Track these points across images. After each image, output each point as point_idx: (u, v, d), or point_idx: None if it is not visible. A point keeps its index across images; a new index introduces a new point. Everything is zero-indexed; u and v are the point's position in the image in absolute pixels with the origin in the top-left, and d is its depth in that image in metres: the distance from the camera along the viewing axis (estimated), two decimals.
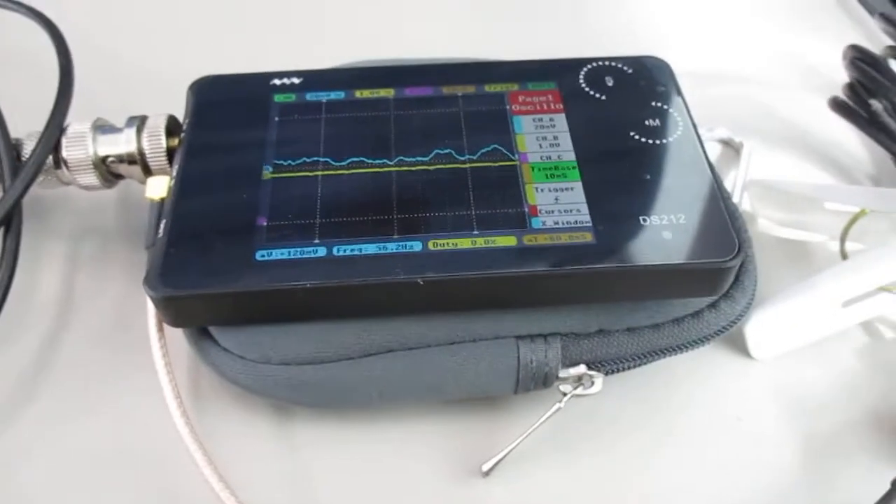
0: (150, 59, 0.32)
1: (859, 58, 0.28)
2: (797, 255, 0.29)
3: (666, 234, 0.22)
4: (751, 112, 0.35)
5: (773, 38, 0.39)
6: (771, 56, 0.38)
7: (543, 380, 0.23)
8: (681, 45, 0.38)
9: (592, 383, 0.23)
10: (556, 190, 0.23)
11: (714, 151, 0.33)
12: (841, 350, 0.26)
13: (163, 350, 0.22)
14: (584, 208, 0.22)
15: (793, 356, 0.26)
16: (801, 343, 0.26)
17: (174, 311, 0.21)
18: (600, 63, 0.26)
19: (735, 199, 0.31)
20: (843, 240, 0.28)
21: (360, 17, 0.38)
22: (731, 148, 0.33)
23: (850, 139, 0.33)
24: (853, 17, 0.41)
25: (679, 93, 0.26)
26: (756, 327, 0.25)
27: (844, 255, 0.28)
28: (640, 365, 0.23)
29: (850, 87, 0.29)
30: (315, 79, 0.26)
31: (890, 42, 0.30)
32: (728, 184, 0.31)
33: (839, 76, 0.33)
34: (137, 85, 0.29)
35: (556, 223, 0.22)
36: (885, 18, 0.29)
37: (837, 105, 0.29)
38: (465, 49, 0.33)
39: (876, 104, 0.27)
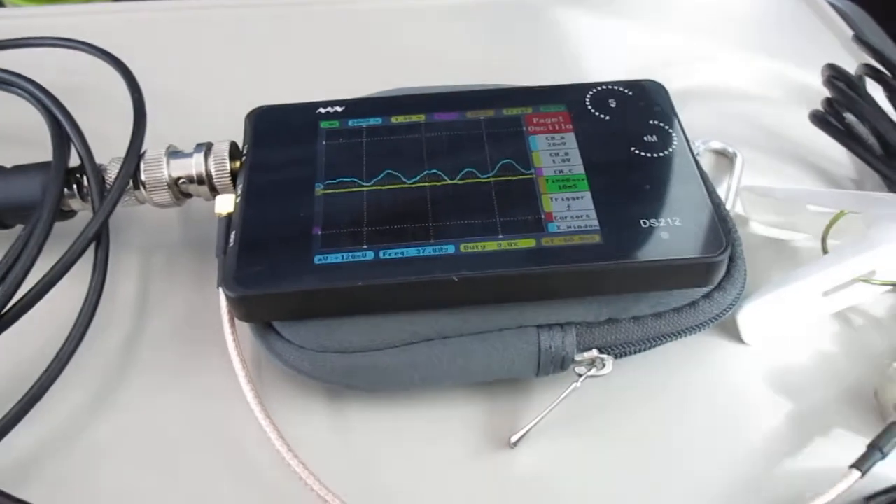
0: (203, 91, 0.36)
1: (835, 76, 0.32)
2: (784, 252, 0.33)
3: (663, 235, 0.25)
4: (743, 125, 0.39)
5: (764, 57, 0.43)
6: (762, 73, 0.42)
7: (561, 363, 0.26)
8: (680, 65, 0.42)
9: (604, 365, 0.26)
10: (568, 199, 0.26)
11: (710, 161, 0.37)
12: (822, 335, 0.30)
13: (235, 342, 0.25)
14: (593, 214, 0.26)
15: (780, 341, 0.29)
16: (787, 329, 0.30)
17: (246, 308, 0.25)
18: (604, 87, 0.30)
19: (728, 204, 0.34)
20: (824, 238, 0.31)
21: (387, 50, 0.42)
22: (726, 157, 0.37)
23: (835, 147, 0.37)
24: (839, 35, 0.44)
25: (673, 111, 0.30)
26: (747, 315, 0.29)
27: (826, 252, 0.31)
28: (645, 349, 0.27)
29: (829, 102, 0.32)
30: (356, 107, 0.30)
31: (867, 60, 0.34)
32: (722, 190, 0.35)
33: (823, 90, 0.37)
34: (195, 115, 0.33)
35: (569, 227, 0.25)
36: (860, 41, 0.33)
37: (817, 118, 0.32)
38: (479, 75, 0.36)
39: (850, 117, 0.31)
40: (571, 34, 0.44)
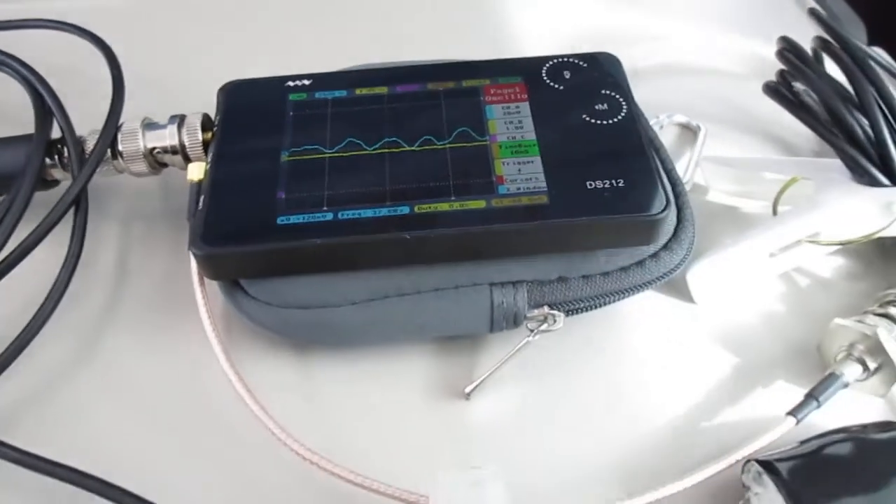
0: (181, 68, 0.38)
1: (786, 48, 0.33)
2: (740, 219, 0.34)
3: (607, 195, 0.27)
4: (709, 100, 0.40)
5: (734, 35, 0.44)
6: (730, 50, 0.43)
7: (514, 319, 0.28)
8: (650, 42, 0.43)
9: (555, 321, 0.28)
10: (519, 163, 0.28)
11: (674, 134, 0.38)
12: (769, 295, 0.31)
13: (204, 298, 0.27)
14: (542, 177, 0.27)
15: (728, 301, 0.31)
16: (736, 289, 0.31)
17: (213, 266, 0.27)
18: (560, 59, 0.31)
19: (688, 174, 0.35)
20: (775, 203, 0.32)
21: (357, 27, 0.43)
22: (690, 130, 0.38)
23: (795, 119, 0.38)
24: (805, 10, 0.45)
25: (626, 81, 0.31)
26: (696, 276, 0.30)
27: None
28: (595, 306, 0.28)
29: (781, 74, 0.34)
30: (323, 80, 0.31)
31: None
32: (684, 161, 0.36)
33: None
34: (172, 89, 0.34)
35: (519, 189, 0.27)
36: (812, 13, 0.34)
37: (770, 89, 0.34)
38: (446, 52, 0.38)
39: (798, 86, 0.32)
40: (543, 12, 0.45)
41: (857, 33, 0.45)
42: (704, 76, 0.41)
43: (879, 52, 0.43)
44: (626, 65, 0.32)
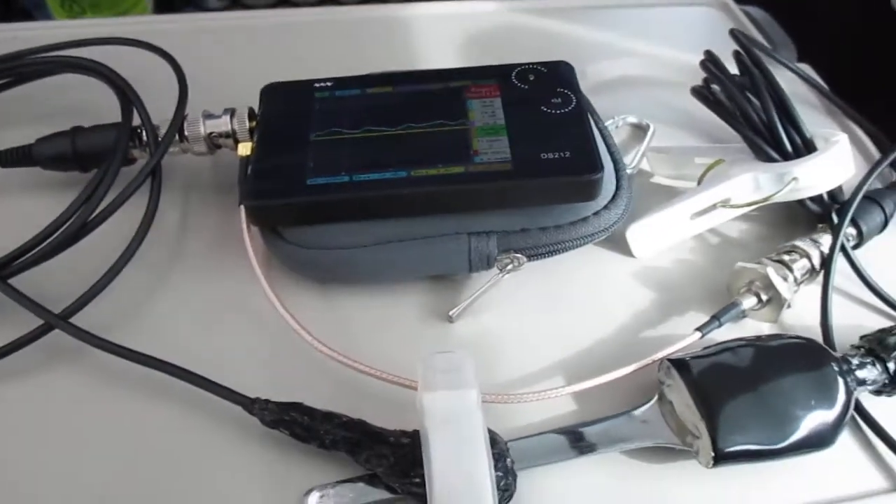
0: (229, 73, 0.47)
1: (707, 59, 0.42)
2: (674, 193, 0.42)
3: (556, 163, 0.35)
4: (661, 105, 0.48)
5: (685, 54, 0.52)
6: (678, 66, 0.51)
7: (487, 261, 0.36)
8: (614, 59, 0.52)
9: (520, 263, 0.36)
10: (491, 141, 0.36)
11: (628, 132, 0.47)
12: (691, 249, 0.39)
13: (251, 239, 0.35)
14: (508, 150, 0.36)
15: (660, 255, 0.39)
16: (665, 245, 0.39)
17: (259, 215, 0.35)
18: (526, 66, 0.40)
19: (635, 161, 0.44)
20: (700, 179, 0.41)
21: (368, 44, 0.53)
22: (640, 128, 0.47)
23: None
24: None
25: (576, 81, 0.39)
26: (633, 233, 0.39)
27: None
28: (551, 253, 0.36)
29: (704, 80, 0.42)
30: (341, 82, 0.40)
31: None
32: (633, 152, 0.45)
33: None
34: (223, 89, 0.43)
35: (489, 159, 0.35)
36: (732, 34, 0.43)
37: (695, 91, 0.42)
38: (440, 62, 0.47)
39: (715, 88, 0.41)
40: (527, 40, 0.54)
41: (786, 52, 0.54)
42: (651, 84, 0.50)
43: (804, 68, 0.51)
44: (584, 73, 0.41)
